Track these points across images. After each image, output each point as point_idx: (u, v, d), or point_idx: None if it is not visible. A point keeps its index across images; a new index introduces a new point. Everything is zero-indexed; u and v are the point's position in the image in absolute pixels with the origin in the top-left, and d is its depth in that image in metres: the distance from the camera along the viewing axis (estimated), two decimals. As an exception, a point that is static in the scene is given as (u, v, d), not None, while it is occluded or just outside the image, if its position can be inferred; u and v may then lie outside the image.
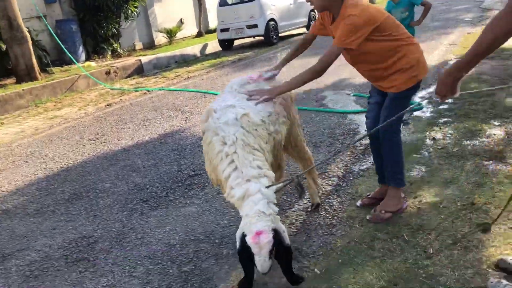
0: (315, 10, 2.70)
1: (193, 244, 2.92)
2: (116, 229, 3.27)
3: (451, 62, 7.06)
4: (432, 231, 2.60)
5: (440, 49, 8.37)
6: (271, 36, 12.95)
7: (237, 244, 2.10)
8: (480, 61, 1.80)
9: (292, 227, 2.95)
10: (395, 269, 2.31)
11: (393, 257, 2.41)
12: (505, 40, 1.70)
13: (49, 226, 3.45)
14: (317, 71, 2.54)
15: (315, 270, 2.43)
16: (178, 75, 10.01)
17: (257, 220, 2.02)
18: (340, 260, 2.47)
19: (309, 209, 3.11)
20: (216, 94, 7.25)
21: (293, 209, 3.19)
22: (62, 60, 11.25)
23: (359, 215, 2.93)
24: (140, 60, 11.30)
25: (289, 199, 3.33)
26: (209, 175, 2.54)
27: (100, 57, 12.28)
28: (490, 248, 2.37)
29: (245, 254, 2.04)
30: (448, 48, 8.35)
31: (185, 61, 12.21)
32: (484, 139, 3.86)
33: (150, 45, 15.03)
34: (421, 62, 2.64)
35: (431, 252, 2.41)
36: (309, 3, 2.62)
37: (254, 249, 1.97)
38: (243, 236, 2.04)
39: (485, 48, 1.74)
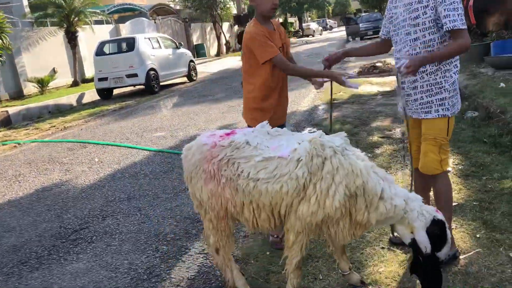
0: None
1: (84, 302, 2.74)
2: (-10, 298, 2.91)
3: (320, 108, 7.93)
4: (319, 258, 2.84)
5: (309, 96, 9.28)
6: (152, 85, 13.00)
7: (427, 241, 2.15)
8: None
9: (190, 270, 2.96)
10: (290, 297, 2.47)
11: (287, 287, 2.57)
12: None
13: None
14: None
15: (216, 309, 2.48)
16: (53, 126, 9.40)
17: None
18: (239, 297, 2.55)
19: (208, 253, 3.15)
20: (98, 144, 7.01)
21: (189, 253, 3.20)
22: None
23: (253, 251, 3.07)
24: (7, 111, 10.37)
25: (185, 244, 3.34)
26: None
27: (-43, 108, 10.97)
28: (369, 267, 2.69)
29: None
30: (317, 95, 9.30)
31: (60, 111, 11.53)
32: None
33: (18, 95, 13.91)
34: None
35: (321, 277, 2.64)
36: None
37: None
38: (434, 219, 2.16)
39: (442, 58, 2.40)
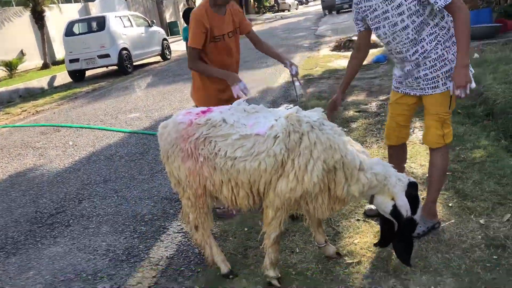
0: None
1: (63, 285, 2.72)
2: (-35, 286, 2.86)
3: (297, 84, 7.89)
4: (296, 232, 2.88)
5: (286, 72, 9.24)
6: (125, 65, 12.70)
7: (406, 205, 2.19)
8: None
9: (169, 249, 2.96)
10: (269, 271, 2.50)
11: (266, 261, 2.60)
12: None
13: None
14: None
15: (195, 287, 2.49)
16: (25, 110, 9.14)
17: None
18: (218, 273, 2.57)
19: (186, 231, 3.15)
20: (71, 127, 6.86)
21: (167, 232, 3.20)
22: None
23: (231, 228, 3.08)
24: (-26, 96, 10.01)
25: (163, 224, 3.33)
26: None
27: None
28: (344, 239, 2.74)
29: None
30: (293, 71, 9.26)
31: (31, 95, 11.19)
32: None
33: (-15, 79, 13.40)
34: None
35: (298, 251, 2.68)
36: None
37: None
38: (410, 182, 2.23)
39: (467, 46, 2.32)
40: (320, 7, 30.67)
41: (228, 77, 2.90)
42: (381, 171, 2.19)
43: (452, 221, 2.74)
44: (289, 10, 42.32)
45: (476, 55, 6.39)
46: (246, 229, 3.03)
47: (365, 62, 8.38)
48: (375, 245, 2.51)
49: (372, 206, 2.75)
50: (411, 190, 2.22)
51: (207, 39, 2.93)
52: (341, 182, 2.16)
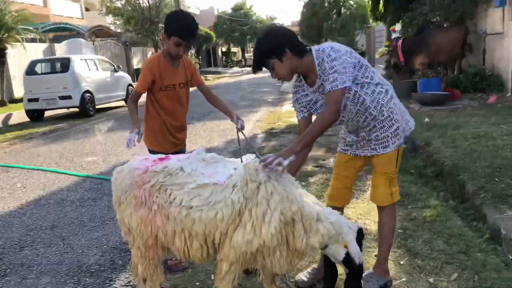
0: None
1: None
2: None
3: (259, 136, 8.04)
4: None
5: (249, 124, 9.38)
6: (87, 108, 12.51)
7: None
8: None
9: None
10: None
11: None
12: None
13: None
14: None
15: None
16: (-27, 148, 8.70)
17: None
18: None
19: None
20: (21, 168, 6.56)
21: (114, 285, 3.03)
22: None
23: (182, 282, 2.95)
24: None
25: (109, 276, 3.16)
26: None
27: None
28: None
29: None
30: (256, 123, 9.43)
31: (-18, 132, 10.73)
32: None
33: None
34: None
35: None
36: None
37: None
38: (359, 229, 2.28)
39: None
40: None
41: (133, 124, 3.05)
42: (336, 220, 2.22)
43: (404, 279, 2.76)
44: (255, 66, 43.61)
45: (426, 119, 6.76)
46: (197, 283, 2.93)
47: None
48: None
49: (304, 277, 2.76)
50: (360, 237, 2.27)
51: (155, 86, 3.13)
52: (300, 235, 2.14)
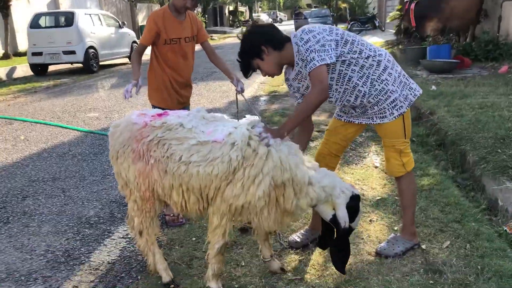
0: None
1: (-8, 285, 2.57)
2: None
3: (262, 99, 7.98)
4: (244, 245, 2.86)
5: (253, 86, 9.30)
6: (91, 64, 12.40)
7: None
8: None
9: (111, 254, 2.86)
10: (211, 283, 2.46)
11: (210, 273, 2.56)
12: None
13: None
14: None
15: (135, 294, 2.42)
16: (-23, 99, 8.72)
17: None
18: (159, 282, 2.50)
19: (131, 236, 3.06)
20: (24, 121, 6.59)
21: (112, 237, 3.10)
22: None
23: (178, 237, 3.02)
24: None
25: (108, 228, 3.23)
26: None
27: None
28: (290, 255, 2.74)
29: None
30: (260, 86, 9.34)
31: (-14, 84, 10.72)
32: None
33: None
34: None
35: (243, 264, 2.65)
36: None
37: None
38: (353, 195, 2.27)
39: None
40: (293, 26, 31.23)
41: (133, 74, 3.07)
42: (329, 183, 2.23)
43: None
44: (263, 27, 42.82)
45: (433, 87, 6.66)
46: (194, 239, 2.98)
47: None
48: (316, 245, 2.60)
49: (297, 238, 2.83)
50: (353, 203, 2.28)
51: (160, 39, 3.08)
52: (291, 197, 2.17)
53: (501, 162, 3.57)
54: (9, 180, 4.27)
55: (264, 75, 2.49)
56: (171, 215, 3.17)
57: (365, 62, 2.39)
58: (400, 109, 2.47)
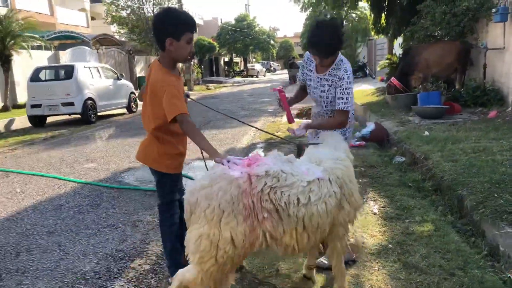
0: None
1: None
2: None
3: (259, 146, 8.04)
4: None
5: (249, 134, 9.39)
6: (89, 114, 12.56)
7: None
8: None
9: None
10: None
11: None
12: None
13: None
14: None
15: None
16: (-26, 152, 8.72)
17: None
18: None
19: None
20: (22, 173, 6.57)
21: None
22: None
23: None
24: None
25: (104, 283, 3.14)
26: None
27: None
28: None
29: None
30: (256, 133, 9.44)
31: (-16, 137, 10.76)
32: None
33: None
34: None
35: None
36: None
37: None
38: None
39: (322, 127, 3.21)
40: (286, 75, 32.02)
41: (215, 153, 2.48)
42: None
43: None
44: (257, 76, 43.96)
45: (426, 132, 6.76)
46: None
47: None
48: None
49: (324, 260, 3.06)
50: None
51: None
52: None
53: (499, 206, 3.57)
54: (2, 235, 4.20)
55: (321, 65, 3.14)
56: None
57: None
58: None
